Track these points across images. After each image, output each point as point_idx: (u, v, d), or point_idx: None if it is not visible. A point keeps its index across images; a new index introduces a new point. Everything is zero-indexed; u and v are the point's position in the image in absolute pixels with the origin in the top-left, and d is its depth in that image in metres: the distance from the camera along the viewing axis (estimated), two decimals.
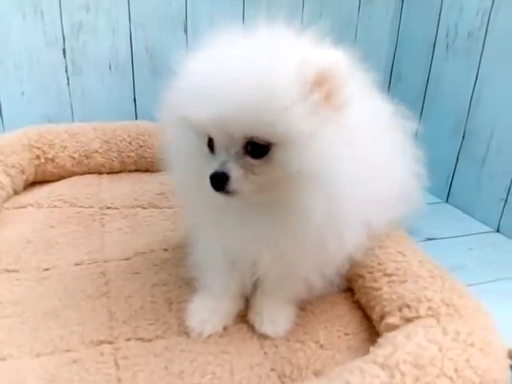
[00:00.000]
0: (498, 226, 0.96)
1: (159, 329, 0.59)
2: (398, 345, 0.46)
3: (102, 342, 0.56)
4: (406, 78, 1.25)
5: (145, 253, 0.76)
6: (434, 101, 1.14)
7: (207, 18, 1.16)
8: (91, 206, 0.89)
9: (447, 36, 1.07)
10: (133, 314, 0.61)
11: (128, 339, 0.57)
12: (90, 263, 0.73)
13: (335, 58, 0.47)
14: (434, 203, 1.10)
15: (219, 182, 0.48)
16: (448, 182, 1.10)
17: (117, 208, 0.89)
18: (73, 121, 1.12)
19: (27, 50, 1.05)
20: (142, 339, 0.57)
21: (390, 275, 0.58)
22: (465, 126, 1.04)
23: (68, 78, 1.10)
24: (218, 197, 0.49)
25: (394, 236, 0.67)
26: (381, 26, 1.26)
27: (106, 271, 0.71)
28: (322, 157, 0.47)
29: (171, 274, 0.70)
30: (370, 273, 0.61)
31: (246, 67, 0.46)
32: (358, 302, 0.63)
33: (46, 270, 0.71)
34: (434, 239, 0.92)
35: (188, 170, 0.55)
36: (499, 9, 0.93)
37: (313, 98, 0.46)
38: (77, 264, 0.73)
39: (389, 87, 1.31)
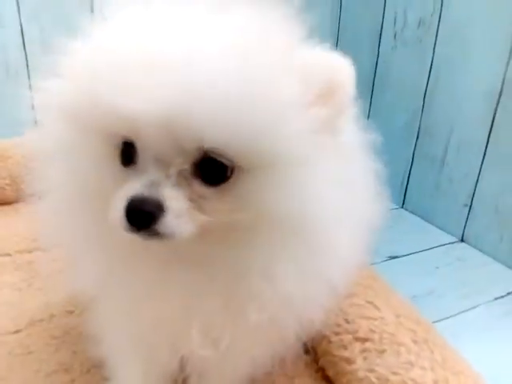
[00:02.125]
0: (463, 235, 0.86)
1: None
2: None
3: None
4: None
5: (42, 320, 0.57)
6: (383, 96, 1.03)
7: None
8: None
9: (395, 24, 0.96)
10: None
11: None
12: None
13: (347, 68, 0.33)
14: (390, 210, 1.00)
15: (142, 215, 0.29)
16: (403, 186, 1.00)
17: (8, 254, 0.69)
18: None
19: None
20: None
21: (364, 340, 0.45)
22: (419, 123, 0.93)
23: None
24: (134, 240, 0.31)
25: (359, 276, 0.54)
26: (319, 13, 1.12)
27: None
28: (312, 196, 0.31)
29: (76, 352, 0.52)
30: (337, 334, 0.47)
31: (219, 39, 0.29)
32: (323, 370, 0.49)
33: None
34: (397, 257, 0.81)
35: (80, 193, 0.35)
36: None
37: (315, 113, 0.32)
38: None
39: None
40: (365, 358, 0.43)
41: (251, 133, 0.29)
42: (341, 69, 0.33)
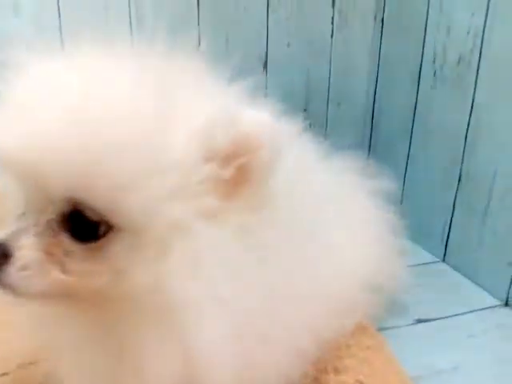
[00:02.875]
0: (507, 298, 0.75)
1: None
2: None
3: None
4: (389, 111, 1.07)
5: (31, 363, 0.57)
6: (423, 137, 0.95)
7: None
8: None
9: (434, 61, 0.89)
10: None
11: None
12: None
13: (265, 122, 0.31)
14: (428, 263, 0.90)
15: None
16: (444, 237, 0.90)
17: None
18: None
19: None
20: None
21: None
22: (460, 169, 0.84)
23: None
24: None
25: (358, 347, 0.48)
26: (359, 53, 1.09)
27: None
28: (179, 271, 0.28)
29: None
30: None
31: (90, 86, 0.29)
32: None
33: None
34: (426, 321, 0.72)
35: None
36: (493, 27, 0.75)
37: (209, 175, 0.29)
38: None
39: (371, 122, 1.13)
40: None
41: (110, 186, 0.26)
42: (260, 121, 0.30)
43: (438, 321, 0.71)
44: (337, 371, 0.44)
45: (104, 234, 0.28)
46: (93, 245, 0.28)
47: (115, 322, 0.29)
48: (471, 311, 0.73)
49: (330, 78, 1.09)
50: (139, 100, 0.28)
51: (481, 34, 0.77)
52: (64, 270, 0.28)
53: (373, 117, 1.13)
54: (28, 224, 0.29)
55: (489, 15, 0.76)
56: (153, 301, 0.28)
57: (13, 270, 0.28)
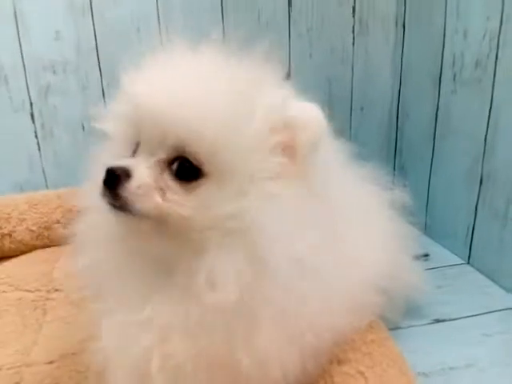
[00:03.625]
0: None
1: None
2: None
3: None
4: (413, 115, 1.08)
5: (74, 353, 0.64)
6: (446, 140, 0.96)
7: None
8: (38, 290, 0.79)
9: (453, 65, 0.90)
10: None
11: None
12: (9, 368, 0.62)
13: (314, 114, 0.40)
14: (453, 265, 0.91)
15: (112, 176, 0.37)
16: (468, 240, 0.90)
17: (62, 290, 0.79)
18: (47, 187, 1.06)
19: None
20: None
21: None
22: (481, 170, 0.85)
23: (38, 144, 1.05)
24: (106, 210, 0.38)
25: (362, 341, 0.51)
26: (381, 59, 1.11)
27: (22, 380, 0.60)
28: (275, 215, 0.37)
29: None
30: None
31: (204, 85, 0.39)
32: None
33: None
34: (444, 321, 0.73)
35: None
36: (508, 30, 0.76)
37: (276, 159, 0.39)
38: None
39: (397, 127, 1.14)
40: None
41: (211, 142, 0.36)
42: (309, 113, 0.40)
43: (455, 321, 0.73)
44: (340, 362, 0.47)
45: (198, 177, 0.37)
46: (188, 184, 0.37)
47: (196, 243, 0.37)
48: (490, 312, 0.74)
49: (352, 84, 1.12)
50: (236, 86, 0.39)
51: (496, 37, 0.78)
52: (164, 198, 0.37)
53: (397, 121, 1.14)
54: (142, 160, 0.38)
55: (503, 19, 0.76)
56: (230, 226, 0.36)
57: (130, 187, 0.36)
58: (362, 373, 0.46)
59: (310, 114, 0.40)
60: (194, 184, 0.37)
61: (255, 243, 0.36)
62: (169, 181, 0.38)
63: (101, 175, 0.37)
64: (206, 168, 0.37)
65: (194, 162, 0.37)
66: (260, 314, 0.37)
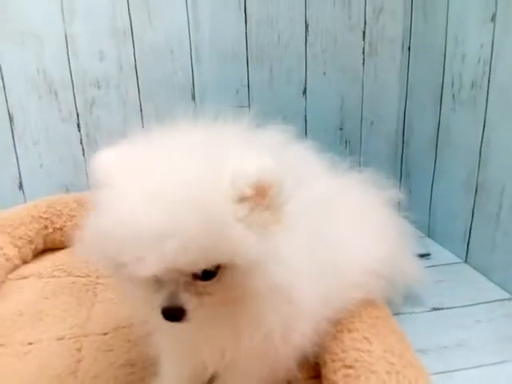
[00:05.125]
0: None
1: None
2: None
3: None
4: (418, 130, 1.19)
5: (124, 327, 0.76)
6: (446, 153, 1.07)
7: (214, 83, 1.20)
8: (88, 275, 0.92)
9: (452, 86, 1.02)
10: None
11: None
12: (70, 338, 0.75)
13: (264, 168, 0.42)
14: (452, 264, 1.01)
15: (173, 316, 0.44)
16: (465, 241, 1.01)
17: (112, 276, 0.91)
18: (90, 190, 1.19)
19: (44, 126, 1.14)
20: None
21: (348, 367, 0.53)
22: (476, 180, 0.96)
23: (83, 150, 1.18)
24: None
25: (368, 316, 0.62)
26: (388, 78, 1.23)
27: (82, 347, 0.72)
28: (274, 273, 0.44)
29: (142, 353, 0.69)
30: (333, 361, 0.56)
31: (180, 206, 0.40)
32: None
33: (30, 344, 0.73)
34: (441, 309, 0.84)
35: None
36: (499, 57, 0.87)
37: (250, 212, 0.43)
38: (58, 339, 0.74)
39: (403, 140, 1.26)
40: (345, 382, 0.51)
41: (217, 254, 0.41)
42: (261, 168, 0.42)
43: (451, 309, 0.83)
44: (349, 331, 0.58)
45: (217, 272, 0.43)
46: (214, 279, 0.44)
47: (237, 309, 0.47)
48: (482, 302, 0.84)
49: (362, 100, 1.24)
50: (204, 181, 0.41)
51: (488, 62, 0.90)
52: (208, 295, 0.44)
53: (403, 134, 1.25)
54: (175, 288, 0.43)
55: (494, 46, 0.88)
56: (260, 290, 0.45)
57: (189, 316, 0.44)
58: (367, 338, 0.57)
59: (268, 173, 0.42)
60: (217, 277, 0.44)
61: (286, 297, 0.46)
62: (202, 284, 0.44)
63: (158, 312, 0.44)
64: (222, 264, 0.43)
65: (212, 269, 0.43)
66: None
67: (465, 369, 0.67)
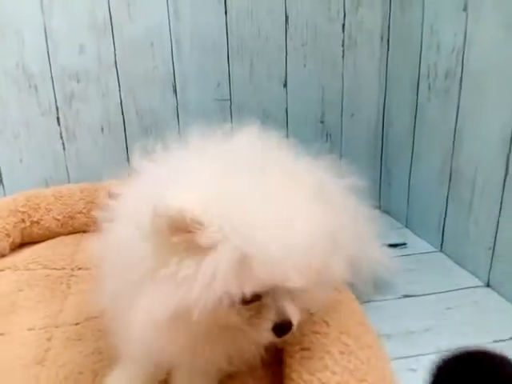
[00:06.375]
0: (488, 279, 0.86)
1: None
2: None
3: None
4: (396, 121, 1.20)
5: (96, 317, 0.77)
6: (423, 143, 1.08)
7: (195, 76, 1.20)
8: (63, 268, 0.92)
9: (428, 76, 1.02)
10: None
11: None
12: (41, 328, 0.75)
13: (183, 207, 0.42)
14: (427, 253, 1.02)
15: (286, 331, 0.46)
16: (440, 229, 1.01)
17: (87, 269, 0.92)
18: (69, 182, 1.19)
19: (24, 120, 1.14)
20: None
21: (305, 349, 0.54)
22: (450, 168, 0.96)
23: (63, 144, 1.18)
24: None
25: (330, 300, 0.62)
26: (368, 70, 1.23)
27: (52, 337, 0.73)
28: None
29: (109, 343, 0.69)
30: (292, 345, 0.56)
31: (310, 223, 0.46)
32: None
33: (1, 334, 0.74)
34: (412, 296, 0.84)
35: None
36: (471, 45, 0.88)
37: None
38: (29, 329, 0.75)
39: (382, 132, 1.26)
40: (300, 364, 0.52)
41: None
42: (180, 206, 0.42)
43: (422, 296, 0.84)
44: (311, 314, 0.59)
45: None
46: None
47: None
48: (454, 290, 0.85)
49: (343, 92, 1.24)
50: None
51: (462, 51, 0.90)
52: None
53: (383, 126, 1.26)
54: (281, 304, 0.46)
55: (467, 35, 0.88)
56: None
57: (294, 328, 0.46)
58: (326, 321, 0.57)
59: (185, 211, 0.42)
60: None
61: None
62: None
63: (268, 330, 0.46)
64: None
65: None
66: None
67: (426, 354, 0.68)
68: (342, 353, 0.50)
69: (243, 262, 0.41)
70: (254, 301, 0.45)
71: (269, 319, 0.45)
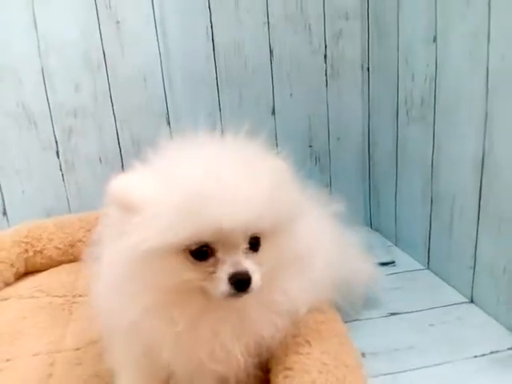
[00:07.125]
0: (472, 296, 0.90)
1: None
2: None
3: None
4: (380, 145, 1.25)
5: (97, 341, 0.81)
6: (405, 166, 1.13)
7: (187, 108, 1.26)
8: (65, 295, 0.97)
9: (406, 103, 1.08)
10: None
11: None
12: (45, 354, 0.79)
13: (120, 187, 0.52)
14: (415, 270, 1.06)
15: (243, 283, 0.48)
16: (426, 247, 1.06)
17: (88, 295, 0.96)
18: (70, 212, 1.25)
19: (24, 155, 1.20)
20: None
21: (287, 369, 0.58)
22: (431, 191, 1.02)
23: (63, 175, 1.24)
24: (230, 300, 0.49)
25: (314, 321, 0.67)
26: (351, 97, 1.29)
27: (55, 362, 0.77)
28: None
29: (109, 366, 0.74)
30: (276, 365, 0.61)
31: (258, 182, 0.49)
32: None
33: (8, 360, 0.78)
34: (397, 314, 0.88)
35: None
36: (442, 75, 0.94)
37: None
38: (35, 355, 0.79)
39: (369, 155, 1.32)
40: (284, 383, 0.56)
41: (274, 220, 0.50)
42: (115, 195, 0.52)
43: (407, 314, 0.88)
44: (294, 336, 0.62)
45: (260, 243, 0.51)
46: (259, 251, 0.51)
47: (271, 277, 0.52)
48: (438, 307, 0.89)
49: (328, 119, 1.30)
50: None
51: (434, 80, 0.96)
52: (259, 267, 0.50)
53: (369, 148, 1.31)
54: (236, 257, 0.48)
55: (438, 65, 0.94)
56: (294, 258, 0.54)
57: (254, 283, 0.49)
58: (308, 342, 0.61)
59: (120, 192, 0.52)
60: (260, 248, 0.51)
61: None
62: (253, 256, 0.50)
63: (225, 283, 0.47)
64: (264, 235, 0.51)
65: (260, 237, 0.50)
66: None
67: (410, 370, 0.71)
68: (320, 372, 0.54)
69: (180, 210, 0.45)
70: (208, 256, 0.48)
71: (224, 271, 0.47)
